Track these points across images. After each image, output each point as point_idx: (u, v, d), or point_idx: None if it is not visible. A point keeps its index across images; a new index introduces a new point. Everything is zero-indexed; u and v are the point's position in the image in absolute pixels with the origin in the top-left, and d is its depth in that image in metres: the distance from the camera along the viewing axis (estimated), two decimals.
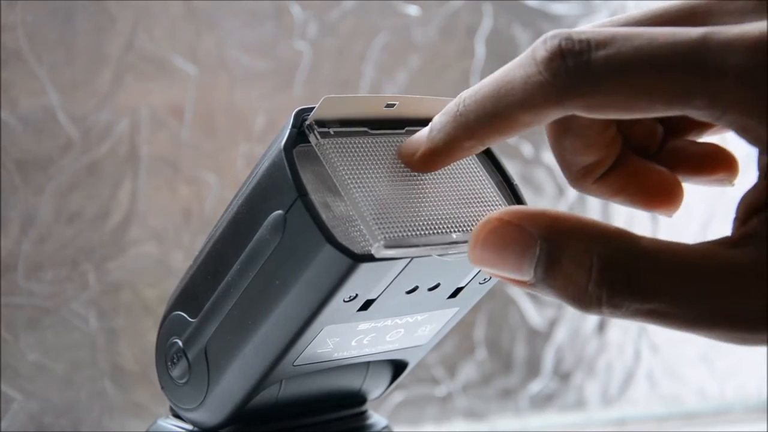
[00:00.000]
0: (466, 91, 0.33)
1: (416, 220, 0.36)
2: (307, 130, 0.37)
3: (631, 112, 0.30)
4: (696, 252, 0.29)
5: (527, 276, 0.31)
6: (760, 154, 0.30)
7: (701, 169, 0.38)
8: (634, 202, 0.37)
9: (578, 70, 0.30)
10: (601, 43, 0.30)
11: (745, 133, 0.29)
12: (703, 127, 0.38)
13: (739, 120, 0.29)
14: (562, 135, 0.36)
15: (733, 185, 0.38)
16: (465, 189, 0.38)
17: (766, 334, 0.29)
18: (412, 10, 0.76)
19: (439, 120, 0.34)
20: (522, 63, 0.31)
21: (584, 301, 0.30)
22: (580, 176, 0.37)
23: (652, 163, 0.38)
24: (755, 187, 0.30)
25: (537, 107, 0.31)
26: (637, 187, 0.37)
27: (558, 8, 0.82)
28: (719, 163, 0.38)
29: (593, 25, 0.33)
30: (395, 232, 0.35)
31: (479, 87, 0.33)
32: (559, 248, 0.30)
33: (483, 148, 0.34)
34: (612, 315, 0.30)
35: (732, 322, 0.29)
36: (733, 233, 0.30)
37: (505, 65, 0.32)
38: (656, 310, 0.29)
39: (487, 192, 0.39)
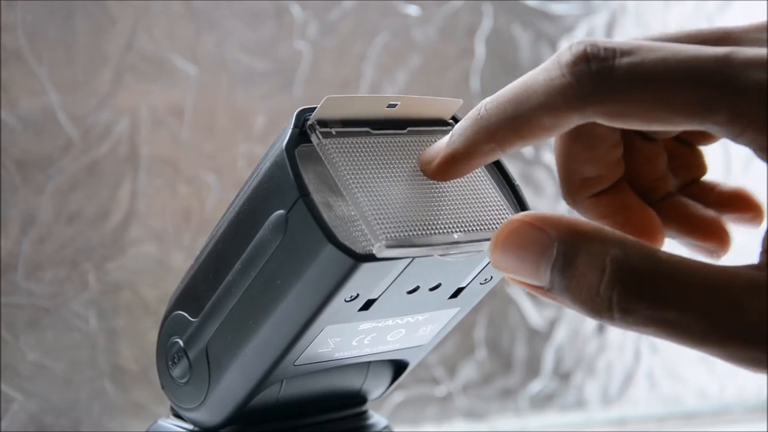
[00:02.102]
0: (488, 97, 0.33)
1: (418, 220, 0.36)
2: (308, 130, 0.37)
3: (650, 122, 0.30)
4: (715, 268, 0.29)
5: (544, 280, 0.31)
6: None
7: (692, 233, 0.38)
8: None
9: (602, 74, 0.30)
10: (626, 52, 0.30)
11: (764, 153, 0.29)
12: (703, 138, 0.38)
13: (758, 139, 0.29)
14: (572, 141, 0.36)
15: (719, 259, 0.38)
16: (466, 189, 0.38)
17: None
18: (412, 10, 0.76)
19: (459, 126, 0.34)
20: (546, 67, 0.31)
21: (596, 304, 0.30)
22: (576, 187, 0.37)
23: (643, 203, 0.38)
24: None
25: (558, 110, 0.31)
26: (624, 219, 0.37)
27: (558, 8, 0.82)
28: (712, 233, 0.38)
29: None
30: (397, 232, 0.35)
31: (501, 91, 0.33)
32: (575, 250, 0.31)
33: (503, 154, 0.34)
34: (624, 322, 0.30)
35: (745, 342, 0.29)
36: (758, 261, 0.30)
37: (530, 71, 0.32)
38: (668, 320, 0.29)
39: (489, 192, 0.39)
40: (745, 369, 0.30)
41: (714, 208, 0.38)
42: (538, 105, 0.31)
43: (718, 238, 0.37)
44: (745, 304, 0.29)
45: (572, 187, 0.37)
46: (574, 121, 0.31)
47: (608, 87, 0.30)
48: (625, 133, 0.37)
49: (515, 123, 0.32)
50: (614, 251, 0.30)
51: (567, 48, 0.31)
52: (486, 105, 0.33)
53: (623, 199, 0.37)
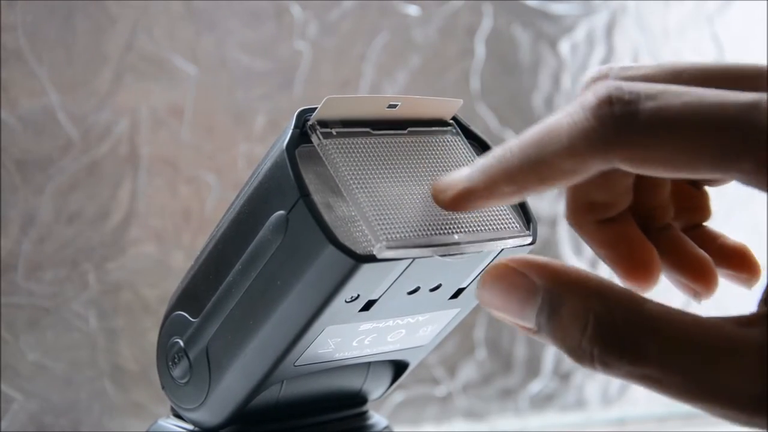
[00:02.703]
0: (514, 139, 0.33)
1: (418, 220, 0.36)
2: (309, 131, 0.37)
3: (674, 169, 0.30)
4: (699, 324, 0.29)
5: (530, 323, 0.32)
6: None
7: (681, 270, 0.38)
8: (615, 263, 0.37)
9: (625, 118, 0.29)
10: (651, 96, 0.29)
11: None
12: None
13: None
14: None
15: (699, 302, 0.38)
16: None
17: (762, 419, 0.29)
18: (412, 10, 0.76)
19: (482, 162, 0.34)
20: (570, 111, 0.31)
21: (578, 355, 0.30)
22: (583, 210, 0.37)
23: (645, 238, 0.38)
24: None
25: (580, 154, 0.30)
26: (625, 251, 0.37)
27: (558, 8, 0.82)
28: (702, 275, 0.37)
29: (638, 68, 0.33)
30: (397, 232, 0.35)
31: (525, 133, 0.32)
32: (560, 300, 0.31)
33: (521, 199, 0.34)
34: (606, 373, 0.30)
35: (725, 401, 0.29)
36: (751, 313, 0.30)
37: (555, 115, 0.32)
38: (648, 376, 0.29)
39: None
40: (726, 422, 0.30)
41: (713, 259, 0.38)
42: (561, 149, 0.31)
43: (706, 282, 0.37)
44: (721, 363, 0.29)
45: (579, 209, 0.37)
46: (596, 166, 0.30)
47: (632, 131, 0.29)
48: None
49: (537, 166, 0.31)
50: (597, 306, 0.30)
51: (591, 91, 0.30)
52: (511, 147, 0.32)
53: (626, 230, 0.37)
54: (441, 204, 0.35)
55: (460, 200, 0.34)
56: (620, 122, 0.29)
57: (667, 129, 0.29)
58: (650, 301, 0.30)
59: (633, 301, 0.30)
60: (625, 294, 0.30)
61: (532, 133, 0.32)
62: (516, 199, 0.34)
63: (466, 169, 0.34)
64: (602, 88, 0.30)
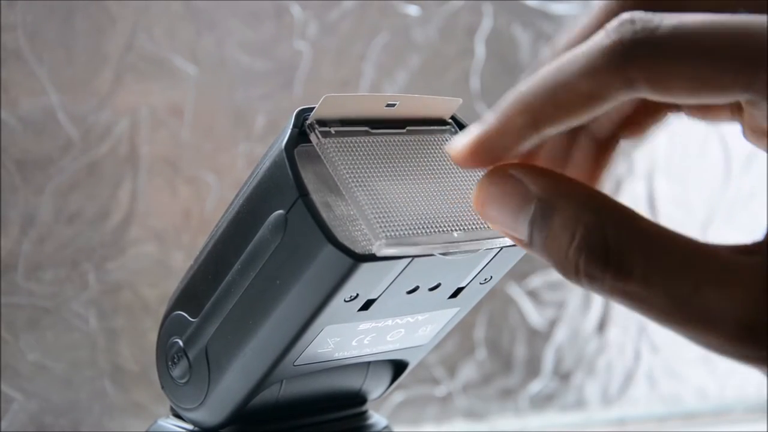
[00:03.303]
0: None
1: (417, 219, 0.36)
2: (308, 130, 0.37)
3: (695, 87, 0.28)
4: (694, 245, 0.29)
5: (523, 234, 0.31)
6: None
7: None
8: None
9: (646, 33, 0.28)
10: (672, 16, 0.29)
11: None
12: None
13: None
14: None
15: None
16: (466, 188, 0.38)
17: (750, 348, 0.28)
18: (412, 10, 0.76)
19: (496, 104, 0.32)
20: (592, 38, 0.30)
21: (565, 266, 0.30)
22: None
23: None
24: None
25: (599, 73, 0.29)
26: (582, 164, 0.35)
27: (558, 8, 0.82)
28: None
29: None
30: (396, 231, 0.35)
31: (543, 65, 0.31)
32: (552, 209, 0.30)
33: (538, 135, 0.31)
34: (592, 288, 0.30)
35: (711, 327, 0.28)
36: (753, 242, 0.29)
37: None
38: (632, 293, 0.29)
39: None
40: (708, 351, 0.29)
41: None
42: (579, 69, 0.29)
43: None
44: (711, 287, 0.28)
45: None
46: (618, 89, 0.29)
47: (653, 45, 0.28)
48: None
49: (553, 90, 0.30)
50: (587, 216, 0.29)
51: (615, 18, 0.29)
52: (526, 79, 0.31)
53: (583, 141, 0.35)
54: (456, 160, 0.32)
55: (473, 148, 0.32)
56: (640, 36, 0.28)
57: (688, 42, 0.28)
58: (646, 219, 0.29)
59: (626, 215, 0.29)
60: (619, 207, 0.30)
61: (552, 61, 0.30)
62: (533, 137, 0.31)
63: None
64: (625, 14, 0.29)
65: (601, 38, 0.29)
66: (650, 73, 0.29)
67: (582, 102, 0.30)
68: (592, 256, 0.29)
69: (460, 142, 0.32)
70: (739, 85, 0.28)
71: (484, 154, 0.32)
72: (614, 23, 0.29)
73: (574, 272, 0.30)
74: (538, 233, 0.31)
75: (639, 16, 0.29)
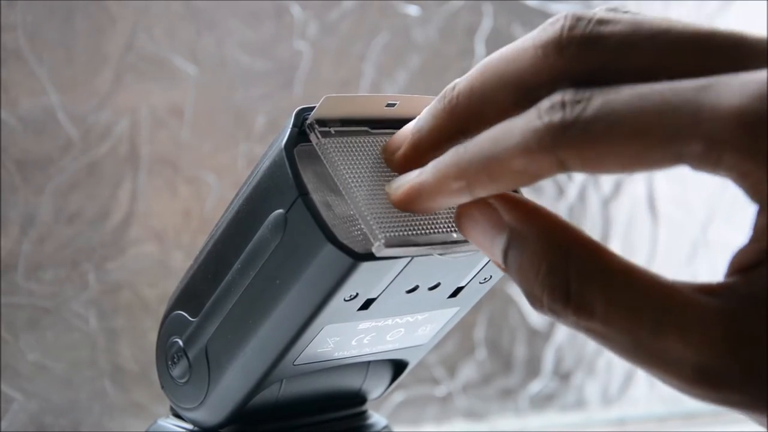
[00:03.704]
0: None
1: (417, 219, 0.36)
2: (308, 130, 0.37)
3: (628, 164, 0.29)
4: (655, 284, 0.29)
5: (498, 257, 0.32)
6: (759, 210, 0.28)
7: None
8: None
9: (574, 115, 0.29)
10: (600, 95, 0.29)
11: (744, 180, 0.27)
12: None
13: (738, 165, 0.27)
14: None
15: None
16: None
17: (706, 391, 0.28)
18: (412, 10, 0.76)
19: (436, 159, 0.33)
20: (527, 114, 0.30)
21: (532, 298, 0.30)
22: None
23: None
24: (745, 247, 0.29)
25: (532, 154, 0.30)
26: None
27: (558, 8, 0.82)
28: None
29: (609, 33, 0.32)
30: (396, 231, 0.35)
31: (483, 133, 0.32)
32: (522, 243, 0.31)
33: (469, 198, 0.32)
34: (558, 321, 0.30)
35: (668, 368, 0.28)
36: (717, 282, 0.29)
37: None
38: (593, 329, 0.29)
39: None
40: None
41: None
42: (513, 146, 0.30)
43: None
44: (668, 328, 0.28)
45: None
46: (550, 169, 0.30)
47: (580, 129, 0.29)
48: None
49: (488, 162, 0.31)
50: (551, 253, 0.30)
51: (546, 98, 0.30)
52: (466, 143, 0.32)
53: None
54: (393, 203, 0.35)
55: (410, 197, 0.34)
56: (569, 119, 0.29)
57: (615, 122, 0.28)
58: (613, 256, 0.29)
59: (592, 252, 0.30)
60: (583, 243, 0.30)
61: (489, 131, 0.31)
62: (465, 198, 0.32)
63: (418, 169, 0.34)
64: (556, 94, 0.29)
65: (534, 119, 0.30)
66: (580, 155, 0.29)
67: (515, 177, 0.31)
68: (554, 294, 0.30)
69: (399, 186, 0.34)
70: (668, 159, 0.28)
71: (418, 205, 0.34)
72: (546, 104, 0.29)
73: (539, 306, 0.30)
74: (511, 263, 0.31)
75: (569, 97, 0.29)
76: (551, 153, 0.29)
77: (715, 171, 0.28)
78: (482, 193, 0.32)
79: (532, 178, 0.30)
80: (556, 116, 0.29)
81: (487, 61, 0.33)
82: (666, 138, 0.28)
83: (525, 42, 0.31)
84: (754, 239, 0.28)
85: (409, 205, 0.34)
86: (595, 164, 0.29)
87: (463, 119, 0.33)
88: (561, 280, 0.30)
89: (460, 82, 0.34)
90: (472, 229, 0.33)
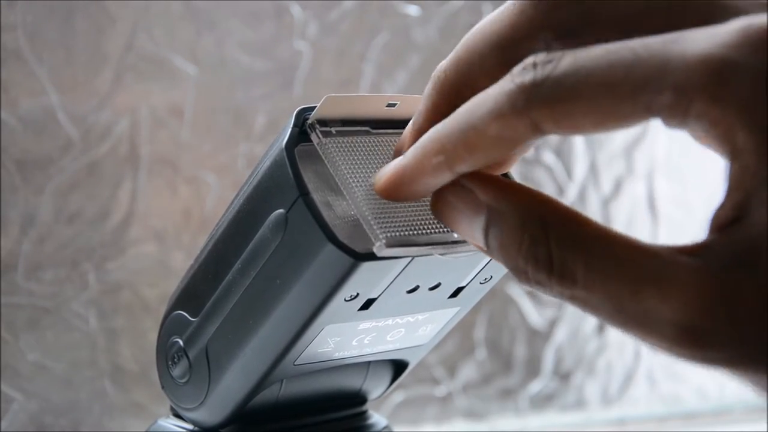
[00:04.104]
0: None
1: (417, 219, 0.36)
2: (308, 129, 0.37)
3: (599, 120, 0.29)
4: (634, 247, 0.29)
5: (480, 240, 0.32)
6: (732, 160, 0.28)
7: None
8: None
9: (544, 75, 0.29)
10: (570, 54, 0.29)
11: (715, 128, 0.27)
12: None
13: (708, 112, 0.27)
14: None
15: None
16: None
17: (688, 350, 0.28)
18: (412, 10, 0.76)
19: (417, 142, 0.33)
20: (500, 81, 0.31)
21: (517, 272, 0.31)
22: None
23: None
24: (723, 204, 0.28)
25: (505, 118, 0.30)
26: None
27: None
28: None
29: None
30: (396, 231, 0.35)
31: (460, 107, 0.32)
32: (502, 219, 0.31)
33: (450, 174, 0.32)
34: (543, 293, 0.30)
35: (650, 330, 0.28)
36: (695, 242, 0.29)
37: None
38: (577, 296, 0.29)
39: None
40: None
41: None
42: (487, 112, 0.30)
43: None
44: (647, 290, 0.28)
45: None
46: (525, 132, 0.30)
47: (551, 88, 0.29)
48: None
49: (465, 134, 0.31)
50: (531, 225, 0.30)
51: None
52: (445, 119, 0.32)
53: None
54: (378, 193, 0.34)
55: (393, 183, 0.34)
56: (539, 79, 0.29)
57: (584, 78, 0.28)
58: (591, 223, 0.30)
59: (570, 220, 0.30)
60: (562, 213, 0.30)
61: (467, 102, 0.31)
62: (445, 176, 0.32)
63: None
64: (528, 57, 0.30)
65: (507, 82, 0.30)
66: (552, 114, 0.29)
67: (492, 144, 0.31)
68: (537, 265, 0.30)
69: (383, 174, 0.34)
70: (639, 112, 0.28)
71: (402, 190, 0.34)
72: (519, 67, 0.30)
73: (525, 279, 0.30)
74: (492, 240, 0.31)
75: (541, 58, 0.29)
76: (524, 115, 0.29)
77: (685, 122, 0.28)
78: (462, 167, 0.32)
79: (509, 144, 0.30)
80: (528, 76, 0.29)
81: (470, 31, 0.33)
82: (635, 90, 0.28)
83: (505, 3, 0.32)
84: (728, 192, 0.28)
85: (392, 191, 0.34)
86: (567, 124, 0.29)
87: (454, 93, 0.33)
88: (543, 251, 0.30)
89: (446, 60, 0.34)
90: (450, 214, 0.33)
